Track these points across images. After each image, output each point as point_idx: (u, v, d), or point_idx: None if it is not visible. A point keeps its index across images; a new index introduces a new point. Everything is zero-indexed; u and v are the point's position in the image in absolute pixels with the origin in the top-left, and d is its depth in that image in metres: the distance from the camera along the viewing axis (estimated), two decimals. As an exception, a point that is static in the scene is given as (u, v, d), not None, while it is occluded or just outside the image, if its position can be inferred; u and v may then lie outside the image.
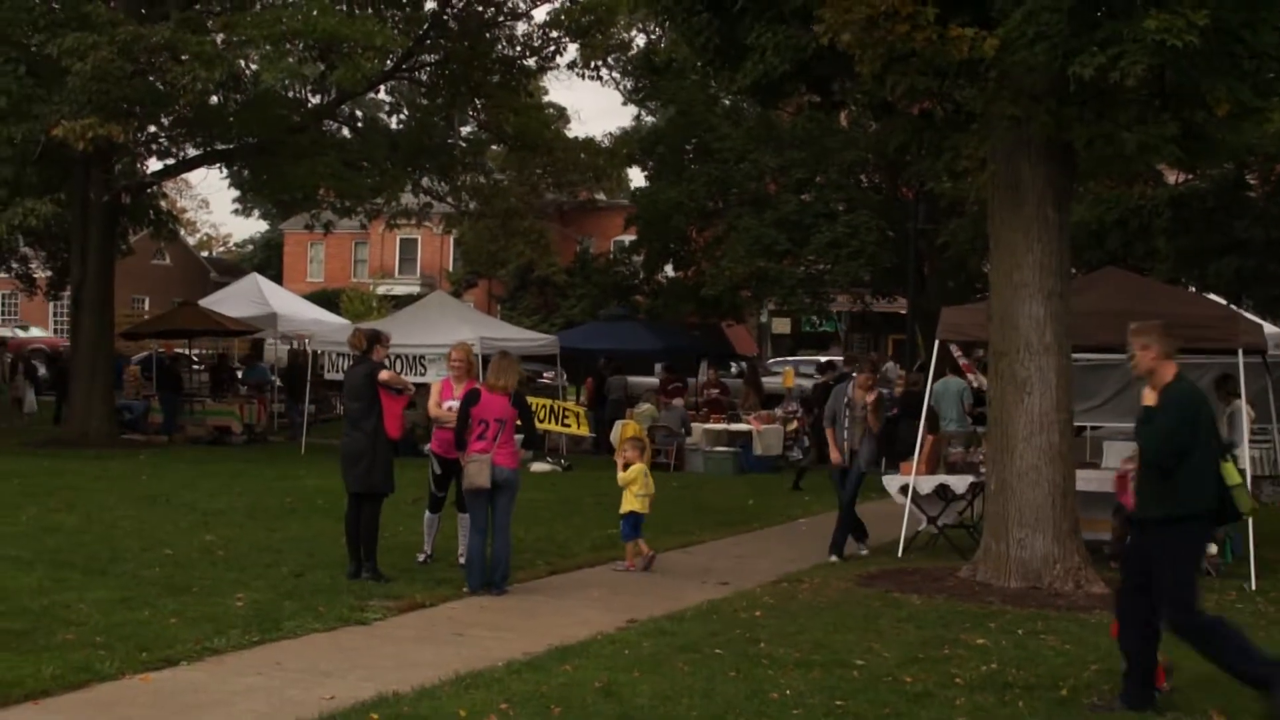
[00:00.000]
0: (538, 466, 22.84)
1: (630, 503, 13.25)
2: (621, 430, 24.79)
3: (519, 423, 11.61)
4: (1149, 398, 7.91)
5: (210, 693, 7.77)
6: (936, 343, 15.51)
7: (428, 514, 12.47)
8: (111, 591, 10.49)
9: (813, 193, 30.73)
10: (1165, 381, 7.84)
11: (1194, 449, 7.61)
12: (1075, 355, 13.04)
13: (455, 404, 11.77)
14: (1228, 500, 7.71)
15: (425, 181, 30.32)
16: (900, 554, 13.83)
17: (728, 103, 31.88)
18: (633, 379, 30.27)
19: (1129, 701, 7.65)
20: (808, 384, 35.16)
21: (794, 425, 25.68)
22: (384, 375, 11.72)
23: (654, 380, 30.52)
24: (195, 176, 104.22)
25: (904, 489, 14.33)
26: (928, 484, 14.41)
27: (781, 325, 54.18)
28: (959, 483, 14.37)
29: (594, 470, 23.14)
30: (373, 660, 8.68)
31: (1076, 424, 14.13)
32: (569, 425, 24.02)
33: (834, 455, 14.09)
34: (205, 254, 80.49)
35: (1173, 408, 7.71)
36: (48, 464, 20.86)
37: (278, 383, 32.76)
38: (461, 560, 11.98)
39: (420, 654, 8.91)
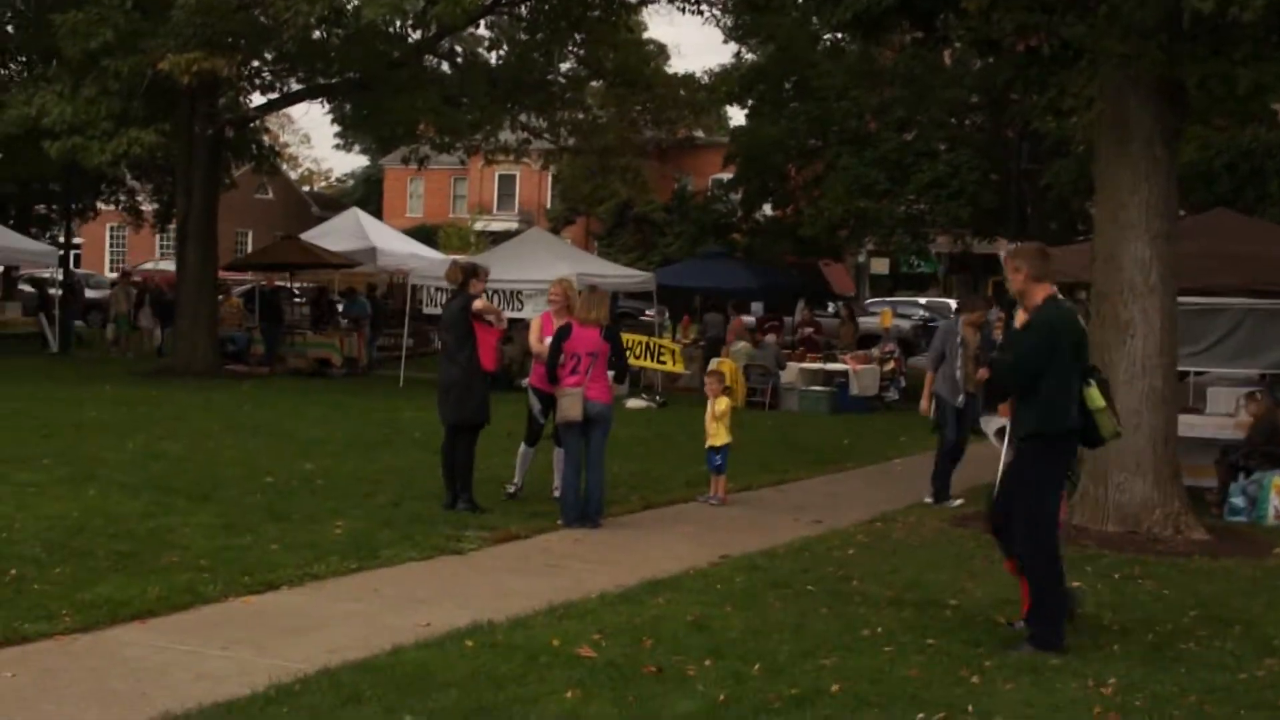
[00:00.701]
0: (633, 403, 22.91)
1: (721, 435, 13.26)
2: (716, 368, 24.87)
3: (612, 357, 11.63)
4: (1019, 319, 8.00)
5: (310, 616, 7.92)
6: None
7: (523, 447, 12.55)
8: (214, 517, 10.71)
9: (914, 131, 30.36)
10: (1034, 304, 7.86)
11: (1052, 371, 7.67)
12: (1181, 299, 12.78)
13: None
14: (1090, 425, 7.81)
15: (523, 118, 30.31)
16: (995, 495, 13.67)
17: (828, 40, 31.51)
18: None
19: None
20: (905, 324, 34.98)
21: (891, 365, 25.54)
22: (478, 304, 11.76)
23: (750, 319, 30.45)
24: (298, 111, 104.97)
25: (1001, 431, 14.15)
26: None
27: (880, 265, 53.76)
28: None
29: (688, 407, 23.19)
30: (467, 589, 8.79)
31: (1180, 369, 13.87)
32: (664, 363, 24.05)
33: (924, 404, 13.93)
34: (307, 189, 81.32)
35: (1032, 331, 7.80)
36: (154, 393, 21.28)
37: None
38: (556, 494, 12.06)
39: (514, 584, 9.01)
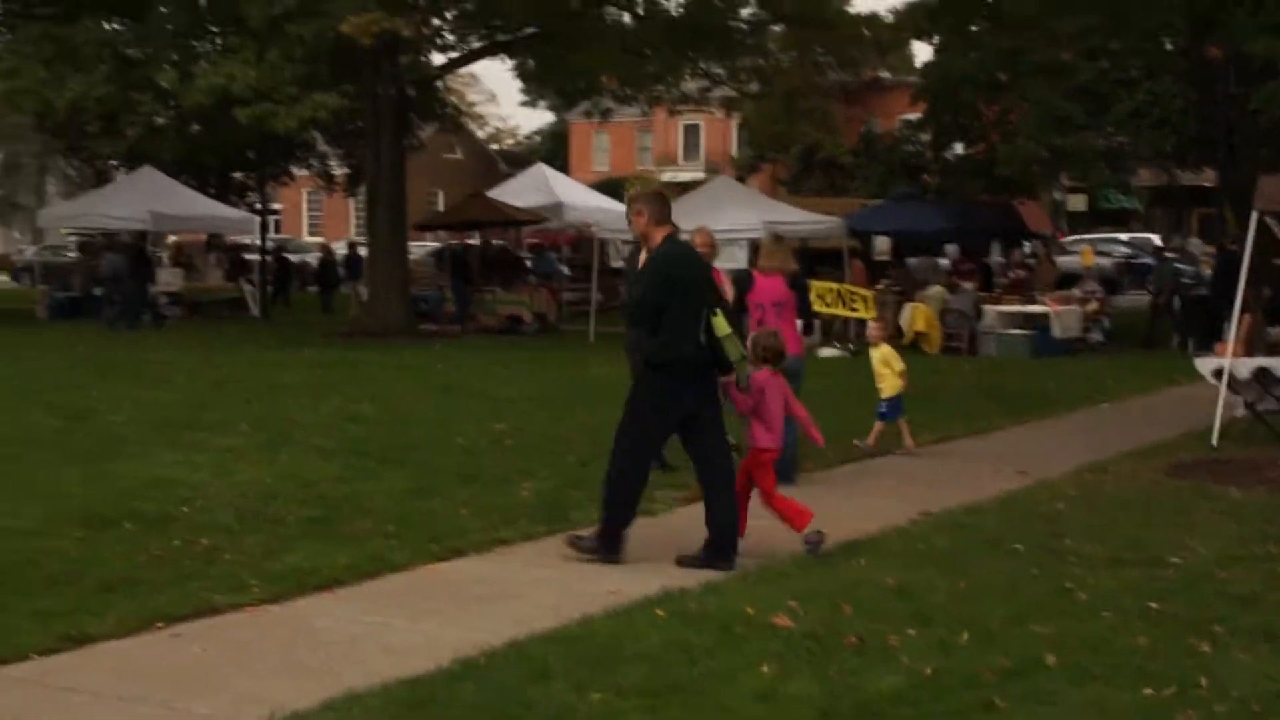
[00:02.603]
0: (825, 351, 22.50)
1: (894, 383, 12.79)
2: (911, 314, 24.25)
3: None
4: (642, 260, 8.59)
5: (498, 584, 7.74)
6: (1253, 216, 14.31)
7: None
8: (405, 481, 10.65)
9: (1110, 59, 29.04)
10: (654, 245, 8.36)
11: (671, 305, 8.08)
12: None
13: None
14: (719, 349, 8.12)
15: (704, 65, 29.86)
16: (1214, 442, 12.94)
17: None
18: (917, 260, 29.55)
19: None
20: (1107, 262, 33.72)
21: (1094, 306, 24.60)
22: None
23: (944, 261, 29.64)
24: (482, 70, 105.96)
25: (1218, 372, 13.39)
26: (1245, 367, 13.41)
27: (1077, 202, 52.08)
28: (1282, 365, 13.34)
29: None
30: (658, 552, 8.50)
31: None
32: (856, 309, 23.44)
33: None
34: (495, 147, 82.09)
35: (652, 269, 8.32)
36: (349, 355, 21.56)
37: (566, 271, 33.17)
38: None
39: (707, 546, 8.71)
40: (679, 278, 8.18)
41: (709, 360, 8.19)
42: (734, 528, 8.36)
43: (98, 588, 7.34)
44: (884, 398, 12.98)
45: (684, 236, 11.45)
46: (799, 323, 11.35)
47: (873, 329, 13.38)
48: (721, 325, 8.15)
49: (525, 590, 7.61)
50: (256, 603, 7.20)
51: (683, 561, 8.17)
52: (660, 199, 8.56)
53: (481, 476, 10.93)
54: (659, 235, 8.35)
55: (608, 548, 8.21)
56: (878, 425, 12.91)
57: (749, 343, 8.86)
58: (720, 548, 8.23)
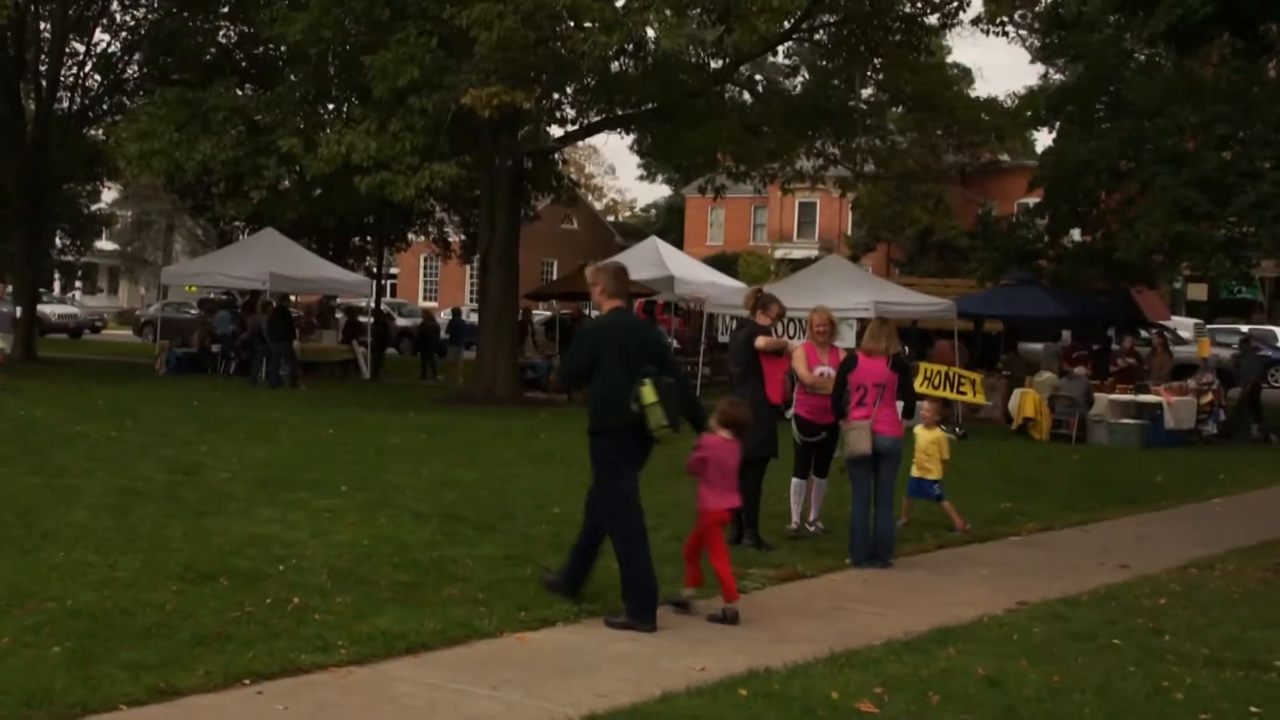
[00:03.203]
0: (931, 435, 22.25)
1: (933, 469, 12.82)
2: (1020, 400, 23.94)
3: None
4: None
5: (582, 656, 7.72)
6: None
7: (794, 480, 12.14)
8: (498, 548, 10.69)
9: (1235, 149, 28.58)
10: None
11: (598, 373, 8.61)
12: None
13: (825, 369, 11.59)
14: (645, 417, 8.46)
15: (819, 144, 29.93)
16: (1328, 542, 12.60)
17: (1142, 57, 30.05)
18: (1031, 345, 29.22)
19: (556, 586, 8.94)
20: (1225, 353, 33.05)
21: (1209, 397, 24.11)
22: (760, 341, 11.48)
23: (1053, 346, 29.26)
24: (601, 142, 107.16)
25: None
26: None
27: (1198, 291, 51.21)
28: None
29: (990, 439, 22.40)
30: (748, 631, 8.46)
31: None
32: (964, 393, 23.23)
33: None
34: (611, 219, 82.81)
35: (577, 339, 9.18)
36: (454, 421, 21.74)
37: (675, 345, 33.21)
38: (791, 528, 11.93)
39: (796, 627, 8.64)
40: (608, 349, 8.61)
41: (640, 425, 8.53)
42: (647, 588, 8.52)
43: (190, 642, 7.45)
44: (933, 478, 12.88)
45: (801, 314, 11.54)
46: (900, 405, 11.25)
47: (926, 410, 13.21)
48: (647, 394, 8.45)
49: (609, 664, 7.58)
50: (341, 664, 7.25)
51: (610, 623, 8.42)
52: (618, 274, 9.06)
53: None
54: (608, 306, 8.89)
55: (639, 617, 8.38)
56: (908, 501, 12.93)
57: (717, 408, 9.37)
58: (636, 609, 8.45)
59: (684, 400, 8.86)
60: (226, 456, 15.65)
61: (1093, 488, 16.49)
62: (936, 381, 22.09)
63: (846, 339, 22.46)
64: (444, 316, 36.86)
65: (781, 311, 12.35)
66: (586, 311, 33.54)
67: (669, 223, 75.49)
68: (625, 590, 8.53)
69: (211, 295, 43.65)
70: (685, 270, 32.87)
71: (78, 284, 68.26)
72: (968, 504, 14.36)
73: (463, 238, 39.88)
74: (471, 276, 56.92)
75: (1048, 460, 19.65)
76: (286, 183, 28.01)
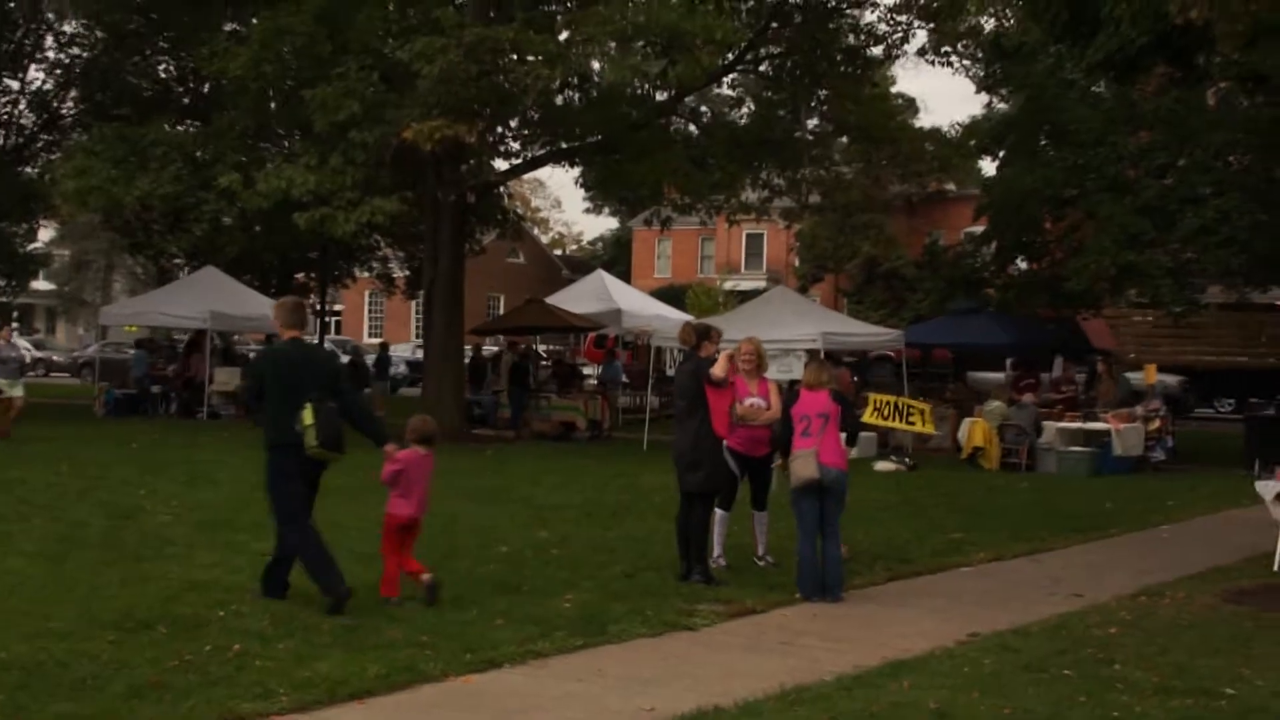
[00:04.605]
0: (881, 465, 22.25)
1: None
2: (970, 429, 23.95)
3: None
4: None
5: (528, 698, 7.56)
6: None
7: (718, 512, 11.98)
8: (443, 589, 10.49)
9: (1174, 177, 28.81)
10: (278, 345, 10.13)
11: (270, 396, 9.61)
12: None
13: (755, 400, 11.63)
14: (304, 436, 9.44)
15: (764, 175, 29.96)
16: (1276, 568, 12.59)
17: (1082, 83, 30.26)
18: (979, 374, 29.27)
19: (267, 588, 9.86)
20: (1172, 380, 33.27)
21: (1156, 424, 24.21)
22: (716, 370, 11.34)
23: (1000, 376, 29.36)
24: (547, 175, 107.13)
25: (1279, 496, 13.06)
26: (1307, 491, 13.06)
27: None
28: (1346, 490, 12.96)
29: (940, 469, 22.40)
30: (697, 669, 8.32)
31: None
32: (914, 423, 23.21)
33: None
34: (558, 252, 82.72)
35: (254, 364, 10.47)
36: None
37: (625, 379, 33.13)
38: (717, 559, 11.82)
39: (746, 664, 8.51)
40: (277, 375, 9.65)
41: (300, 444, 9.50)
42: (326, 564, 9.57)
43: (125, 693, 7.23)
44: None
45: (728, 348, 11.43)
46: (842, 435, 11.19)
47: None
48: (306, 417, 9.40)
49: (556, 704, 7.43)
50: (283, 711, 7.07)
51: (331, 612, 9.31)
52: (295, 309, 10.17)
53: (522, 586, 10.78)
54: (287, 336, 9.94)
55: (332, 591, 9.42)
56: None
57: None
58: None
59: (359, 420, 9.93)
60: (166, 499, 15.37)
61: (1043, 516, 16.47)
62: (886, 412, 22.05)
63: (795, 371, 22.40)
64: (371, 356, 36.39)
65: (719, 337, 12.20)
66: (535, 346, 33.43)
67: (616, 255, 75.48)
68: (313, 576, 9.56)
69: (151, 335, 43.09)
70: (632, 303, 32.83)
71: (14, 325, 67.34)
72: (919, 534, 14.32)
73: (407, 273, 39.65)
74: (417, 312, 56.66)
75: (997, 489, 19.64)
76: (227, 219, 27.73)
